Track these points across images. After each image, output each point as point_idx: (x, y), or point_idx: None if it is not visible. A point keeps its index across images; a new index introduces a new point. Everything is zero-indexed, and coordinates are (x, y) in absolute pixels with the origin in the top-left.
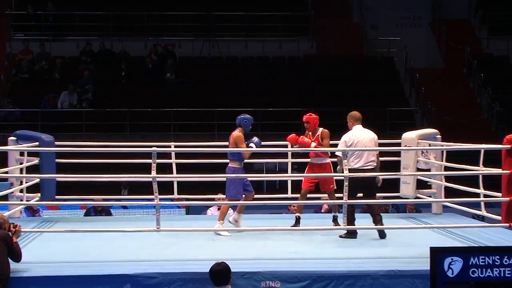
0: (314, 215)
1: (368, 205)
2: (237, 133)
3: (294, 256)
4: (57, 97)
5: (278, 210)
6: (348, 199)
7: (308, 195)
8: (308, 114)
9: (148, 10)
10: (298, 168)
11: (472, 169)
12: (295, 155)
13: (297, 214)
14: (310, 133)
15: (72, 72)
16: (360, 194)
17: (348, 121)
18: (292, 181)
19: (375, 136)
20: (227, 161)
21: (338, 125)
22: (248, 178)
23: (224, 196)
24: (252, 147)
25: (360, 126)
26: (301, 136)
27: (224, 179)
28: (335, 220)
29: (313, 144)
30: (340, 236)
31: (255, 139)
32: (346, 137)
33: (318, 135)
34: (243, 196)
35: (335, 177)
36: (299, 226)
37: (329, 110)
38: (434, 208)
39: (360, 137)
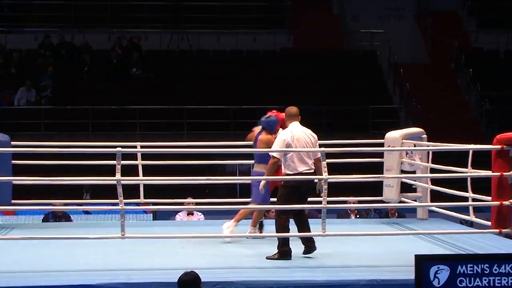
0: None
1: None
2: (265, 135)
3: (270, 265)
4: (13, 94)
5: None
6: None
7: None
8: (271, 112)
9: None
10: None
11: (460, 171)
12: None
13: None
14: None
15: (30, 66)
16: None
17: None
18: None
19: (315, 136)
20: (200, 162)
21: (316, 124)
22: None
23: (192, 200)
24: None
25: (298, 123)
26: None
27: (193, 182)
28: (261, 227)
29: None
30: (268, 258)
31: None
32: (284, 135)
33: None
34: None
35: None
36: (263, 231)
37: (307, 107)
38: (419, 213)
39: (299, 136)
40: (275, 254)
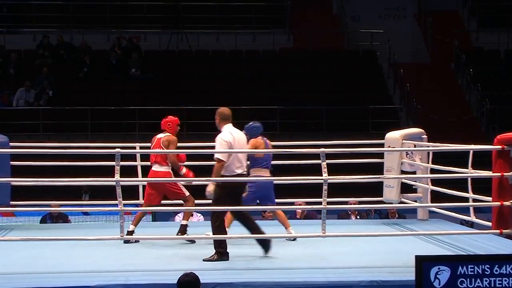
0: (292, 222)
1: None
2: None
3: (269, 266)
4: (12, 94)
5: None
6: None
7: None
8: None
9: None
10: (273, 170)
11: (460, 172)
12: None
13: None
14: None
15: (29, 67)
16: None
17: (216, 119)
18: None
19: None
20: (199, 163)
21: (316, 124)
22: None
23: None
24: None
25: (231, 125)
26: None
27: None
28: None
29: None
30: (205, 260)
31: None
32: (226, 137)
33: None
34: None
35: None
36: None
37: (307, 107)
38: (419, 214)
39: (238, 138)
40: (213, 255)
